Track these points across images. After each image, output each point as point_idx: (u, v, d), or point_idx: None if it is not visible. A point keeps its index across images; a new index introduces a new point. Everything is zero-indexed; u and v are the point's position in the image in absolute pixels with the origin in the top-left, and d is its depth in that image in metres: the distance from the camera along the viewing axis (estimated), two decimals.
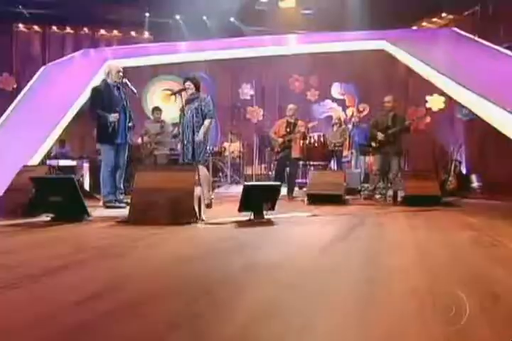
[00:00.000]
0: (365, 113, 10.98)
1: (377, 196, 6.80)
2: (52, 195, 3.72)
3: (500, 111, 6.54)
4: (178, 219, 3.62)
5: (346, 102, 11.41)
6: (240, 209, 3.82)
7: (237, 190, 8.76)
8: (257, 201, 3.87)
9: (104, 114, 5.06)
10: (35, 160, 7.68)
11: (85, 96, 8.72)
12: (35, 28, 11.55)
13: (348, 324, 1.36)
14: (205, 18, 11.30)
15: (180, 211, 3.66)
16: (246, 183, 4.15)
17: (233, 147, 9.79)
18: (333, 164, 8.71)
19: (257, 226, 3.64)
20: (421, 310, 1.47)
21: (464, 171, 9.34)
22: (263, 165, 10.43)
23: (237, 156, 9.92)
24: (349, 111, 11.12)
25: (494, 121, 6.74)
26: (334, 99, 11.54)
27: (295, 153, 7.16)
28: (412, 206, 5.51)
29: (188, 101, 5.13)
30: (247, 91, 11.47)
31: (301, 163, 7.90)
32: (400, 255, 2.57)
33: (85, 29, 11.79)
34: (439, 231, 3.69)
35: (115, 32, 11.98)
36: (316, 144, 8.61)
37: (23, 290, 1.68)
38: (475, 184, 8.91)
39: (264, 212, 3.91)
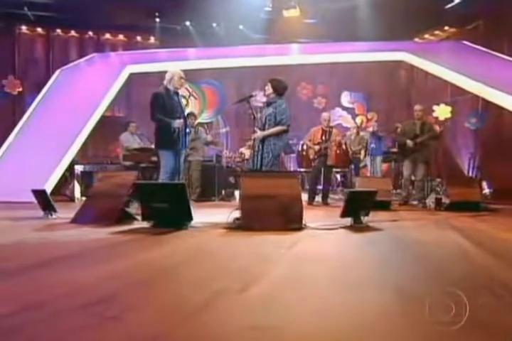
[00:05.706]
0: (373, 121, 11.27)
1: (415, 202, 6.99)
2: (157, 201, 3.67)
3: None
4: (288, 225, 3.64)
5: (356, 110, 11.67)
6: (343, 215, 3.89)
7: None
8: (357, 207, 3.95)
9: (168, 119, 4.99)
10: (63, 165, 7.50)
11: (106, 102, 8.62)
12: (39, 30, 11.26)
13: None
14: (214, 25, 11.32)
15: (291, 217, 3.69)
16: (350, 190, 4.22)
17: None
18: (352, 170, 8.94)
19: (370, 231, 3.70)
20: None
21: None
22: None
23: None
24: (359, 119, 11.37)
25: None
26: (343, 108, 11.76)
27: (330, 161, 7.30)
28: (457, 212, 5.68)
29: (267, 104, 4.87)
30: (259, 98, 11.49)
31: None
32: None
33: (90, 33, 11.58)
34: None
35: (120, 36, 11.80)
36: (337, 151, 8.76)
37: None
38: (486, 190, 9.27)
39: (362, 218, 3.99)
